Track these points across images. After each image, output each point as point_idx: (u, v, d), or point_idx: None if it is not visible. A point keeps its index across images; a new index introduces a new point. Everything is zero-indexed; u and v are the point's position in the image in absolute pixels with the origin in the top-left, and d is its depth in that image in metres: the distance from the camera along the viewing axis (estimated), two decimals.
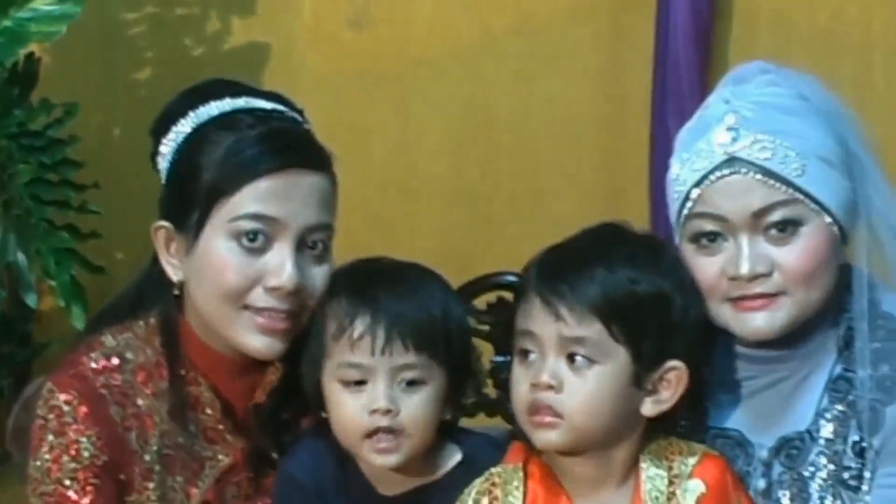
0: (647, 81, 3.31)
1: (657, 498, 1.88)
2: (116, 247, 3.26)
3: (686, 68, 3.24)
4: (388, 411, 1.93)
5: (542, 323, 1.87)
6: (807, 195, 1.92)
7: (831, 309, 1.98)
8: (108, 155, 3.31)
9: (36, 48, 3.17)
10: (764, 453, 2.00)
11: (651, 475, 1.90)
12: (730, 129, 1.93)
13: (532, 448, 1.92)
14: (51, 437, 1.99)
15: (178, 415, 2.03)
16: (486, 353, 2.64)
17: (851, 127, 1.98)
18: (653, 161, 3.25)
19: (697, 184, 1.94)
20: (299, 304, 2.00)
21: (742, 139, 1.93)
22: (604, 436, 1.88)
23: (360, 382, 1.95)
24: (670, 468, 1.90)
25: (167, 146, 2.05)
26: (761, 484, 1.99)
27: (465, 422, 2.30)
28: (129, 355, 2.04)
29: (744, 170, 1.92)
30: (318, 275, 2.01)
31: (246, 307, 1.99)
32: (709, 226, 1.95)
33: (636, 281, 1.87)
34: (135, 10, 3.45)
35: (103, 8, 3.39)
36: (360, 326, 1.93)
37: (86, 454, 1.98)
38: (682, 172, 1.97)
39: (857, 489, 1.94)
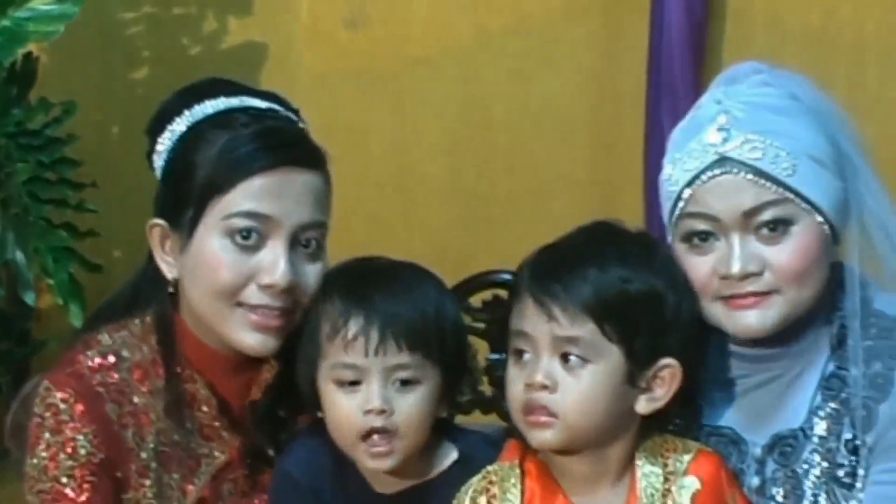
0: (642, 81, 3.31)
1: (653, 495, 1.88)
2: (114, 245, 3.26)
3: (680, 68, 3.24)
4: (382, 411, 1.93)
5: (536, 323, 1.87)
6: (797, 195, 1.92)
7: (823, 307, 1.98)
8: (105, 154, 3.31)
9: (34, 48, 3.17)
10: (758, 451, 1.99)
11: (646, 472, 1.90)
12: (721, 129, 1.94)
13: (528, 445, 1.92)
14: (47, 435, 1.99)
15: (175, 412, 2.03)
16: (482, 350, 2.65)
17: (843, 127, 1.98)
18: (647, 160, 3.24)
19: (689, 184, 1.94)
20: (293, 302, 2.00)
21: (733, 139, 1.93)
22: (599, 434, 1.88)
23: (355, 383, 1.94)
24: (665, 465, 1.90)
25: (163, 144, 2.05)
26: (755, 481, 1.99)
27: (460, 419, 2.30)
28: (125, 353, 2.05)
29: (735, 170, 1.92)
30: (312, 272, 2.01)
31: (240, 304, 1.99)
32: (700, 225, 1.95)
33: (628, 280, 1.87)
34: (132, 10, 3.45)
35: (101, 8, 3.39)
36: (353, 327, 1.93)
37: (82, 452, 1.98)
38: (674, 172, 1.97)
39: (850, 486, 1.94)
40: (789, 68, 2.04)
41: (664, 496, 1.89)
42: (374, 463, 1.95)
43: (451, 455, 2.01)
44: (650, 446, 1.92)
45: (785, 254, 1.92)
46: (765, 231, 1.93)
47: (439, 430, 2.01)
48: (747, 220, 1.92)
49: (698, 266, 1.94)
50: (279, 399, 2.07)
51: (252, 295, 1.99)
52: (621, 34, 3.38)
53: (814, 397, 1.98)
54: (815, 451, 1.97)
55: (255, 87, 2.14)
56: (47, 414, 2.00)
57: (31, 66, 3.17)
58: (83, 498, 1.98)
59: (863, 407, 1.93)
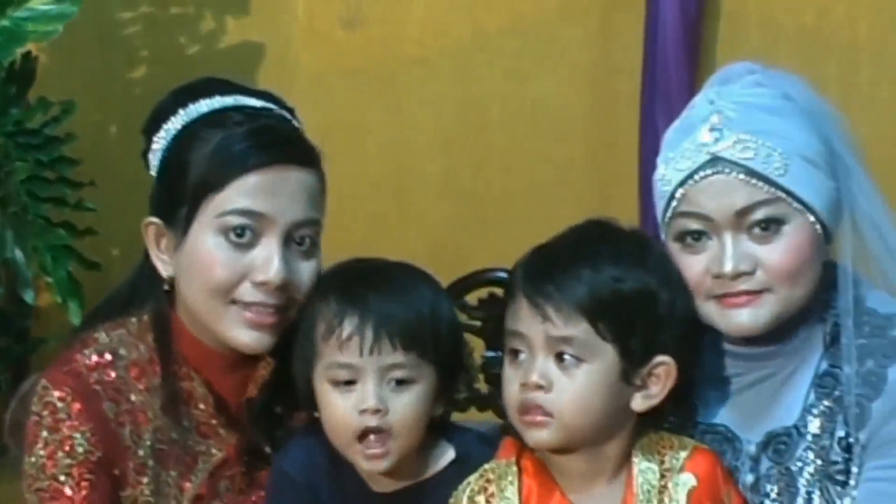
0: (637, 80, 3.31)
1: (649, 491, 1.88)
2: (112, 243, 3.26)
3: (675, 68, 3.24)
4: (377, 411, 1.92)
5: (530, 323, 1.87)
6: (789, 194, 1.92)
7: (816, 306, 1.98)
8: (104, 153, 3.31)
9: (33, 47, 3.17)
10: (752, 448, 1.99)
11: (643, 469, 1.89)
12: (713, 129, 1.93)
13: (524, 443, 1.91)
14: (45, 434, 1.99)
15: (172, 410, 2.03)
16: (478, 348, 2.65)
17: (836, 127, 1.98)
18: (642, 159, 3.25)
19: (682, 183, 1.94)
20: (287, 299, 2.00)
21: (725, 139, 1.93)
22: (595, 432, 1.88)
23: (350, 382, 1.94)
24: (662, 462, 1.90)
25: (158, 143, 2.05)
26: (749, 478, 1.98)
27: (456, 416, 2.29)
28: (122, 351, 2.04)
29: (727, 170, 1.92)
30: (306, 270, 2.01)
31: (234, 302, 1.99)
32: (693, 225, 1.95)
33: (621, 279, 1.87)
34: (130, 10, 3.45)
35: (99, 7, 3.39)
36: (348, 327, 1.93)
37: (80, 450, 1.98)
38: (667, 172, 1.97)
39: (844, 484, 1.94)
40: (783, 68, 2.04)
41: (660, 492, 1.88)
42: (370, 465, 1.95)
43: (447, 454, 2.01)
44: (646, 443, 1.91)
45: (777, 253, 1.92)
46: (757, 230, 1.93)
47: (435, 428, 2.00)
48: (739, 219, 1.92)
49: (691, 265, 1.94)
50: (275, 396, 2.06)
51: (246, 292, 1.99)
52: (616, 34, 3.38)
53: (807, 395, 1.98)
54: (808, 448, 1.97)
55: (252, 86, 2.14)
56: (45, 412, 2.00)
57: (30, 65, 3.17)
58: (81, 496, 1.98)
59: (856, 404, 1.93)
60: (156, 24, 3.45)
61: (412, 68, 3.45)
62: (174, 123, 2.04)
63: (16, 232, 3.08)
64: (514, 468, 1.91)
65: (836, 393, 1.96)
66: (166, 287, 2.05)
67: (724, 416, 2.01)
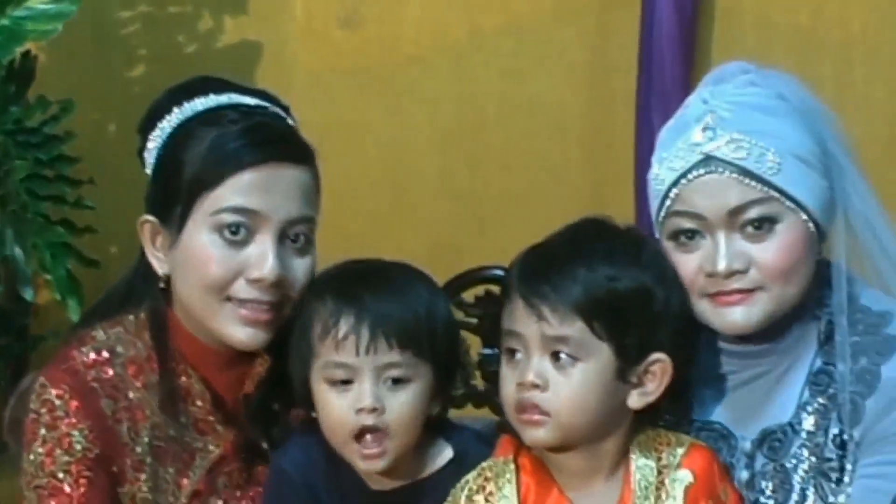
0: (633, 79, 3.31)
1: (646, 488, 1.88)
2: (111, 241, 3.26)
3: (670, 66, 3.24)
4: (373, 409, 1.92)
5: (526, 323, 1.86)
6: (782, 193, 1.92)
7: (810, 304, 1.98)
8: (102, 151, 3.31)
9: (32, 46, 3.18)
10: (747, 445, 1.99)
11: (640, 465, 1.89)
12: (706, 128, 1.93)
13: (521, 440, 1.91)
14: (43, 431, 1.99)
15: (169, 407, 2.02)
16: (475, 345, 2.64)
17: (830, 127, 1.98)
18: (638, 157, 3.24)
19: (675, 183, 1.94)
20: (282, 296, 1.99)
21: (718, 139, 1.92)
22: (591, 430, 1.87)
23: (347, 382, 1.93)
24: (659, 459, 1.89)
25: (153, 142, 2.05)
26: (744, 475, 1.98)
27: (452, 413, 2.29)
28: (119, 349, 2.04)
29: (720, 169, 1.92)
30: (300, 266, 2.01)
31: (229, 299, 1.99)
32: (687, 224, 1.94)
33: (615, 278, 1.86)
34: (129, 9, 3.45)
35: (98, 6, 3.38)
36: (344, 326, 1.92)
37: (78, 447, 1.98)
38: (660, 171, 1.96)
39: (838, 481, 1.94)
40: (777, 67, 2.03)
41: (658, 489, 1.88)
42: (367, 464, 1.94)
43: (445, 453, 2.00)
44: (644, 440, 1.91)
45: (770, 251, 1.92)
46: (750, 229, 1.92)
47: (432, 427, 2.00)
48: (732, 218, 1.92)
49: (685, 264, 1.94)
50: (272, 393, 2.06)
51: (241, 289, 1.98)
52: (612, 33, 3.38)
53: (802, 393, 1.98)
54: (803, 445, 1.96)
55: (250, 85, 2.13)
56: (43, 410, 1.99)
57: (30, 64, 3.17)
58: (80, 493, 1.97)
59: (850, 402, 1.93)
60: (154, 24, 3.45)
61: (409, 67, 3.44)
62: (169, 122, 2.03)
63: (15, 230, 3.08)
64: (512, 466, 1.90)
65: (831, 390, 1.96)
66: (162, 285, 2.04)
67: (719, 414, 2.01)
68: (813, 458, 1.95)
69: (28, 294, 3.09)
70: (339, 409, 1.93)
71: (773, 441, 1.97)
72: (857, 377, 1.93)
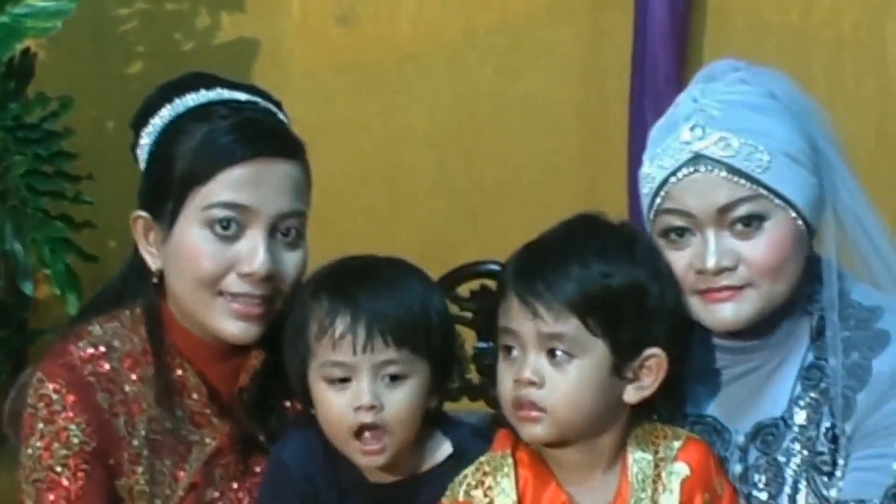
0: (626, 77, 3.30)
1: (643, 481, 1.87)
2: (109, 236, 3.25)
3: (663, 65, 3.24)
4: (372, 407, 1.91)
5: (521, 320, 1.86)
6: (771, 191, 1.91)
7: (801, 299, 1.98)
8: (101, 147, 3.30)
9: (32, 43, 3.17)
10: (740, 439, 1.98)
11: (637, 458, 1.88)
12: (696, 127, 1.93)
13: (519, 435, 1.90)
14: (41, 426, 1.98)
15: (165, 400, 2.02)
16: (469, 339, 2.64)
17: (820, 125, 1.97)
18: (631, 154, 3.24)
19: (665, 181, 1.93)
20: (273, 290, 1.99)
21: (707, 137, 1.92)
22: (588, 426, 1.86)
23: (345, 380, 1.93)
24: (656, 452, 1.89)
25: (145, 138, 2.05)
26: (738, 468, 1.98)
27: (448, 406, 2.28)
28: (115, 343, 2.03)
29: (709, 167, 1.91)
30: (291, 261, 2.01)
31: (221, 293, 1.99)
32: (676, 221, 1.94)
33: (609, 275, 1.85)
34: (126, 6, 3.44)
35: (96, 4, 3.38)
36: (340, 326, 1.92)
37: (75, 441, 1.97)
38: (651, 169, 1.96)
39: (830, 474, 1.93)
40: (768, 65, 2.03)
41: (654, 482, 1.87)
42: (367, 460, 1.94)
43: (444, 448, 1.99)
44: (640, 434, 1.90)
45: (758, 249, 1.91)
46: (739, 226, 1.92)
47: (430, 421, 1.99)
48: (721, 216, 1.91)
49: (675, 261, 1.93)
50: (267, 385, 2.05)
51: (233, 284, 1.98)
52: (606, 31, 3.37)
53: (794, 387, 1.97)
54: (795, 439, 1.96)
55: (247, 82, 2.13)
56: (40, 405, 1.99)
57: (29, 61, 3.17)
58: (77, 486, 1.97)
59: (842, 396, 1.93)
60: (152, 21, 3.44)
61: (405, 65, 3.44)
62: (161, 118, 2.03)
63: (15, 225, 3.08)
64: (510, 460, 1.89)
65: (822, 385, 1.95)
66: (156, 280, 2.04)
67: (712, 408, 2.00)
68: (805, 452, 1.95)
69: (27, 288, 3.09)
70: (337, 407, 1.93)
71: (766, 435, 1.97)
72: (848, 372, 1.93)
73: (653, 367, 1.88)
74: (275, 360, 2.02)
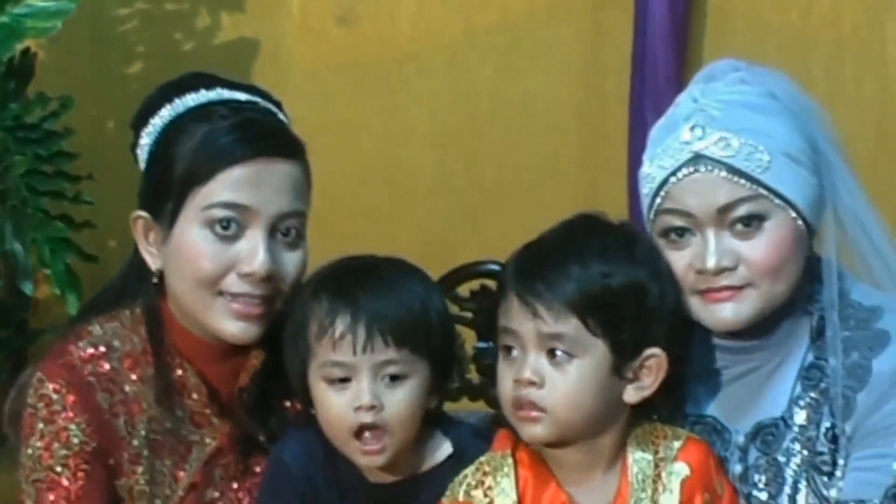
0: (626, 77, 3.30)
1: (643, 480, 1.87)
2: (109, 236, 3.25)
3: (663, 65, 3.24)
4: (372, 407, 1.91)
5: (521, 321, 1.85)
6: (771, 191, 1.91)
7: (800, 299, 1.97)
8: (101, 147, 3.30)
9: (32, 43, 3.17)
10: (740, 439, 1.98)
11: (637, 458, 1.88)
12: (696, 127, 1.92)
13: (519, 435, 1.90)
14: (41, 426, 1.98)
15: (165, 400, 2.02)
16: (470, 339, 2.64)
17: (820, 124, 1.97)
18: (631, 154, 3.24)
19: (665, 181, 1.93)
20: (273, 289, 1.99)
21: (707, 137, 1.92)
22: (588, 426, 1.86)
23: (345, 380, 1.92)
24: (656, 452, 1.89)
25: (145, 138, 2.04)
26: (738, 468, 1.97)
27: (448, 406, 2.28)
28: (116, 343, 2.03)
29: (709, 167, 1.91)
30: (291, 260, 2.00)
31: (221, 293, 1.98)
32: (676, 221, 1.94)
33: (609, 275, 1.85)
34: (126, 6, 3.44)
35: (96, 4, 3.38)
36: (340, 326, 1.91)
37: (75, 441, 1.97)
38: (651, 169, 1.96)
39: (830, 474, 1.93)
40: (768, 65, 2.02)
41: (654, 481, 1.87)
42: (367, 460, 1.94)
43: (444, 448, 1.99)
44: (640, 434, 1.90)
45: (758, 249, 1.91)
46: (739, 226, 1.92)
47: (430, 420, 1.99)
48: (721, 216, 1.91)
49: (675, 261, 1.93)
50: (267, 385, 2.05)
51: (233, 284, 1.98)
52: (606, 31, 3.37)
53: (794, 387, 1.97)
54: (795, 439, 1.96)
55: (247, 82, 2.12)
56: (40, 405, 1.99)
57: (29, 61, 3.17)
58: (77, 486, 1.97)
59: (842, 396, 1.92)
60: (152, 21, 3.44)
61: (405, 65, 3.44)
62: (160, 118, 2.03)
63: (15, 225, 3.08)
64: (510, 460, 1.89)
65: (822, 385, 1.95)
66: (156, 280, 2.03)
67: (712, 408, 2.00)
68: (805, 452, 1.95)
69: (27, 288, 3.09)
70: (337, 407, 1.92)
71: (766, 435, 1.97)
72: (848, 372, 1.93)
73: (653, 366, 1.87)
74: (275, 360, 2.01)
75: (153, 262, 2.03)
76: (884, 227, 2.01)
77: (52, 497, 1.97)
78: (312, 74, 3.41)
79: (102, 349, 2.02)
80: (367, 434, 1.92)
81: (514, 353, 1.87)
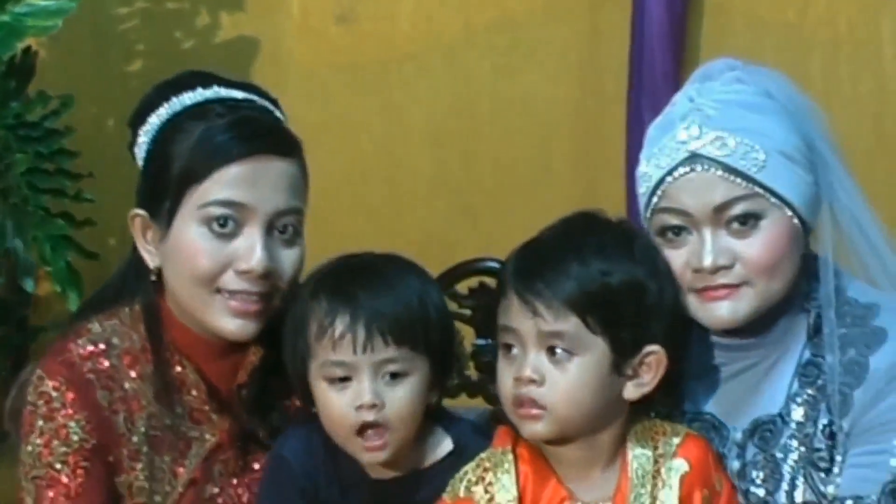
0: (624, 76, 3.30)
1: (643, 476, 1.87)
2: (110, 233, 3.24)
3: (661, 64, 3.23)
4: (373, 405, 1.91)
5: (521, 319, 1.85)
6: (767, 189, 1.91)
7: (797, 297, 1.97)
8: (101, 145, 3.29)
9: (33, 42, 3.17)
10: (738, 435, 1.98)
11: (637, 454, 1.88)
12: (692, 126, 1.92)
13: (519, 432, 1.89)
14: (41, 423, 1.98)
15: (164, 397, 2.01)
16: (468, 336, 2.64)
17: (816, 123, 1.97)
18: (629, 152, 3.23)
19: (662, 180, 1.93)
20: (270, 287, 1.99)
21: (703, 136, 1.91)
22: (588, 423, 1.86)
23: (345, 379, 1.92)
24: (655, 448, 1.88)
25: (143, 137, 2.04)
26: (736, 465, 1.97)
27: (446, 402, 2.28)
28: (115, 341, 2.03)
29: (705, 166, 1.91)
30: (288, 257, 2.00)
31: (218, 291, 1.98)
32: (673, 220, 1.93)
33: (608, 272, 1.84)
34: (127, 5, 3.44)
35: (96, 3, 3.38)
36: (340, 326, 1.91)
37: (75, 438, 1.97)
38: (648, 169, 1.96)
39: (827, 471, 1.93)
40: (765, 64, 2.02)
41: (654, 477, 1.87)
42: (369, 456, 1.93)
43: (444, 444, 1.99)
44: (640, 430, 1.90)
45: (755, 247, 1.91)
46: (735, 225, 1.91)
47: (430, 416, 1.98)
48: (718, 214, 1.91)
49: (672, 259, 1.93)
50: (266, 382, 2.05)
51: (230, 281, 1.97)
52: (603, 30, 3.37)
53: (791, 384, 1.97)
54: (792, 436, 1.95)
55: (246, 80, 2.12)
56: (40, 402, 1.99)
57: (30, 60, 3.17)
58: (77, 483, 1.97)
59: (839, 393, 1.92)
60: (152, 20, 3.44)
61: (404, 64, 3.43)
62: (158, 117, 2.03)
63: (16, 222, 3.07)
64: (510, 456, 1.89)
65: (819, 382, 1.95)
66: (154, 277, 2.03)
67: (710, 405, 2.00)
68: (802, 449, 1.95)
69: (28, 285, 3.09)
70: (339, 406, 1.92)
71: (764, 431, 1.97)
72: (845, 368, 1.92)
73: (652, 363, 1.87)
74: (273, 357, 2.01)
75: (151, 260, 2.02)
76: (880, 226, 2.01)
77: (51, 494, 1.97)
78: (312, 73, 3.41)
79: (102, 346, 2.02)
80: (369, 431, 1.92)
81: (514, 351, 1.87)
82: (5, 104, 3.10)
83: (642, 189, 1.97)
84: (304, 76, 3.40)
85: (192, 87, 2.02)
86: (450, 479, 1.90)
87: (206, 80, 2.04)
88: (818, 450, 1.94)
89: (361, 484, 1.97)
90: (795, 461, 1.95)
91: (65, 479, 1.97)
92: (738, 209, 1.90)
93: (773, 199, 1.91)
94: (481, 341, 2.64)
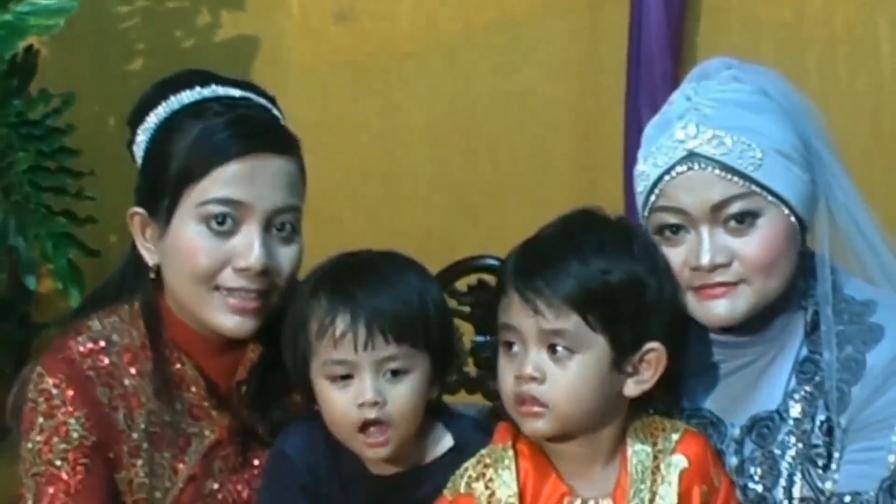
0: (622, 74, 3.30)
1: (643, 472, 1.86)
2: (111, 231, 3.25)
3: (659, 62, 3.23)
4: (375, 403, 1.90)
5: (522, 317, 1.84)
6: (764, 188, 1.90)
7: (794, 294, 1.97)
8: (103, 143, 3.29)
9: (35, 41, 3.17)
10: (736, 432, 1.98)
11: (637, 450, 1.87)
12: (689, 125, 1.92)
13: (519, 428, 1.89)
14: (41, 420, 1.98)
15: (164, 394, 2.01)
16: (467, 333, 2.63)
17: (813, 122, 1.96)
18: (627, 150, 3.23)
19: (659, 178, 1.93)
20: (269, 284, 1.98)
21: (700, 135, 1.91)
22: (589, 420, 1.85)
23: (347, 377, 1.92)
24: (655, 444, 1.88)
25: (141, 135, 2.04)
26: (734, 461, 1.97)
27: (446, 399, 2.27)
28: (115, 338, 2.03)
29: (702, 165, 1.90)
30: (286, 255, 2.00)
31: (217, 288, 1.98)
32: (671, 219, 1.93)
33: (608, 270, 1.84)
34: (128, 4, 3.44)
35: (98, 2, 3.38)
36: (340, 325, 1.90)
37: (75, 435, 1.96)
38: (645, 167, 1.95)
39: (825, 467, 1.93)
40: (762, 62, 2.02)
41: (653, 473, 1.87)
42: (372, 452, 1.93)
43: (445, 441, 1.98)
44: (640, 426, 1.89)
45: (752, 245, 1.90)
46: (732, 223, 1.91)
47: (432, 412, 1.98)
48: (715, 213, 1.90)
49: (670, 257, 1.92)
50: (265, 378, 2.05)
51: (229, 278, 1.97)
52: (602, 29, 3.36)
53: (788, 381, 1.96)
54: (790, 432, 1.95)
55: (242, 78, 2.11)
56: (40, 399, 1.98)
57: (32, 58, 3.17)
58: (77, 479, 1.96)
59: (836, 389, 1.92)
60: (152, 18, 3.44)
61: (403, 62, 3.43)
62: (156, 115, 2.02)
63: (18, 220, 3.08)
64: (511, 452, 1.88)
65: (817, 378, 1.95)
66: (153, 275, 2.03)
67: (708, 402, 1.99)
68: (800, 445, 1.94)
69: (30, 283, 3.09)
70: (341, 404, 1.92)
71: (762, 428, 1.96)
72: (842, 365, 1.92)
73: (652, 360, 1.86)
74: (272, 354, 2.01)
75: (150, 258, 2.02)
76: (877, 224, 2.01)
77: (51, 491, 1.96)
78: (312, 72, 3.41)
79: (102, 344, 2.01)
80: (371, 428, 1.92)
81: (515, 348, 1.86)
82: (7, 102, 3.10)
83: (640, 188, 1.97)
84: (303, 75, 3.40)
85: (190, 86, 2.02)
86: (450, 476, 1.90)
87: (204, 78, 2.04)
88: (816, 446, 1.93)
89: (362, 480, 1.96)
90: (793, 457, 1.95)
91: (65, 476, 1.96)
92: (735, 207, 1.90)
93: (770, 198, 1.91)
94: (480, 338, 2.63)
